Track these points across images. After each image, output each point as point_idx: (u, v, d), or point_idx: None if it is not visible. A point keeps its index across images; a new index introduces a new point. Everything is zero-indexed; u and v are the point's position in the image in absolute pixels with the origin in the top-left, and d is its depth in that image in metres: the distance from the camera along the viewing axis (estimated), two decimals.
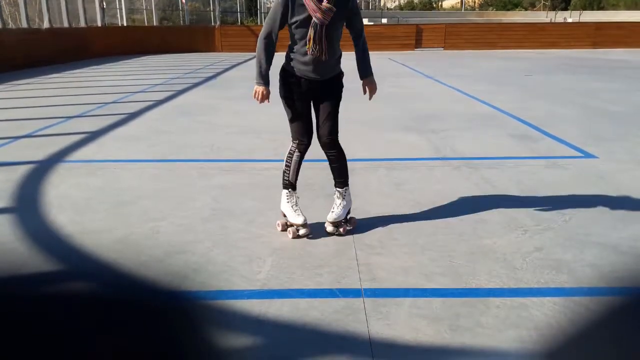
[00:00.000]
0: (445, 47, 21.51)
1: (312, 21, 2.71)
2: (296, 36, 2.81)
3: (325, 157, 3.06)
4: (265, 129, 5.78)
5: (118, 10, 21.32)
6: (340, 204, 3.02)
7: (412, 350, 1.95)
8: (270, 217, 3.22)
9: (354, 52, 3.01)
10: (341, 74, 3.00)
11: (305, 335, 2.05)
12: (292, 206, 3.00)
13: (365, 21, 25.82)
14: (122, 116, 6.86)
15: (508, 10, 41.99)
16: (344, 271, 2.56)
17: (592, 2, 42.95)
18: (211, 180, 4.06)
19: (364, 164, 4.44)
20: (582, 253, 2.73)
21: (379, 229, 3.08)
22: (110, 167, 4.48)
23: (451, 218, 3.24)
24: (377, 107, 6.70)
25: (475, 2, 51.08)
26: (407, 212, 3.34)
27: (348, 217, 3.06)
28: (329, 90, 2.94)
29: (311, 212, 3.15)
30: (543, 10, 40.16)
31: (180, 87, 9.94)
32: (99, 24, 19.27)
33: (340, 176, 3.05)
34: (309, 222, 2.98)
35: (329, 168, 3.08)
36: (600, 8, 41.64)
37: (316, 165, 3.91)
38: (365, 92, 3.07)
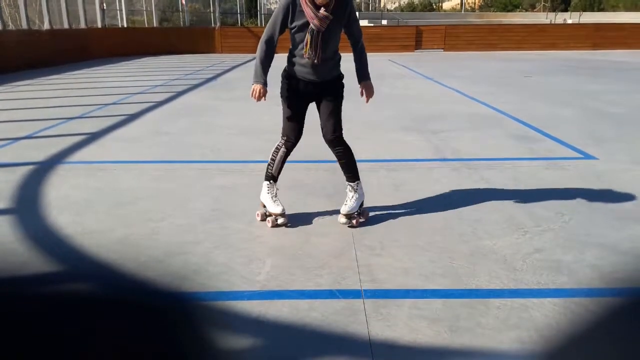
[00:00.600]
0: (445, 49, 21.51)
1: (310, 27, 2.83)
2: (296, 40, 2.93)
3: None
4: (266, 130, 5.78)
5: (118, 12, 21.33)
6: (352, 197, 3.13)
7: (412, 351, 1.94)
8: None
9: (352, 54, 3.10)
10: (341, 75, 3.10)
11: (305, 337, 2.05)
12: (272, 197, 3.15)
13: (366, 22, 25.85)
14: (123, 117, 6.86)
15: (508, 11, 41.99)
16: (344, 272, 2.55)
17: (592, 3, 42.97)
18: (211, 181, 4.06)
19: (365, 165, 4.42)
20: (582, 254, 2.72)
21: (379, 230, 3.08)
22: (110, 168, 4.48)
23: (451, 219, 3.24)
24: (377, 108, 6.71)
25: (475, 4, 51.09)
26: (407, 213, 3.35)
27: (361, 209, 3.17)
28: (329, 90, 3.04)
29: (311, 212, 3.14)
30: (543, 11, 40.13)
31: (180, 89, 9.95)
32: (99, 25, 19.28)
33: (349, 171, 3.17)
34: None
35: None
36: (600, 9, 41.63)
37: (316, 165, 3.91)
38: (362, 94, 3.15)
